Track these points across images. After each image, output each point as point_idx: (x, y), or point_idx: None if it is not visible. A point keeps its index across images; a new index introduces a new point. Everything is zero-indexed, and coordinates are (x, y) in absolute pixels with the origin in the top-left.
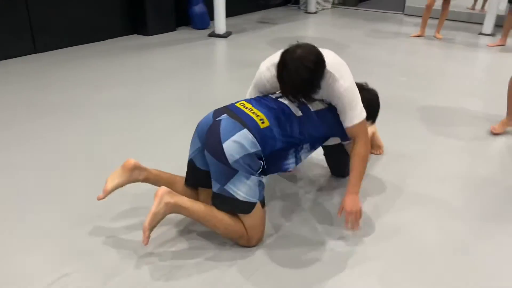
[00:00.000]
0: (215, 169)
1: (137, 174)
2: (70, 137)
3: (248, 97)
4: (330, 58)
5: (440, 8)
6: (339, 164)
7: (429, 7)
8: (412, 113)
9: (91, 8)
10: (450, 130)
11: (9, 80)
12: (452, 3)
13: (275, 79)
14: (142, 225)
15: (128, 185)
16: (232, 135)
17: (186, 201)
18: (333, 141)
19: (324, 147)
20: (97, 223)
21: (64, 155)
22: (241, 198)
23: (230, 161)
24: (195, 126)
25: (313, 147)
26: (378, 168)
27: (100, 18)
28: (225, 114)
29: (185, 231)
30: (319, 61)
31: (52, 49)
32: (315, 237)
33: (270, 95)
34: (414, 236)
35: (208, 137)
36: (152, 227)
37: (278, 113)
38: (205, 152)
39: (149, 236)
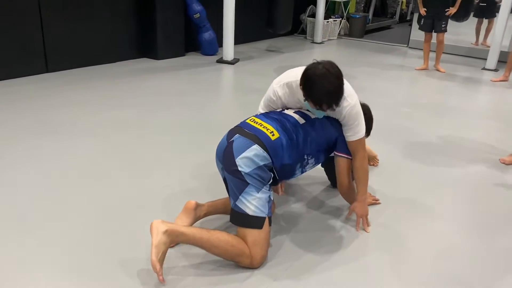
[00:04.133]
0: (231, 185)
1: (199, 211)
2: (76, 155)
3: (260, 111)
4: None
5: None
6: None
7: (426, 41)
8: (413, 142)
9: (103, 30)
10: (449, 160)
11: (19, 98)
12: (455, 38)
13: (287, 96)
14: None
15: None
16: (244, 151)
17: (181, 227)
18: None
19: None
20: (98, 241)
21: (69, 172)
22: (250, 213)
23: (243, 173)
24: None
25: (317, 161)
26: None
27: (112, 41)
28: (237, 134)
29: (187, 259)
30: (340, 71)
31: (63, 69)
32: (320, 259)
33: (275, 110)
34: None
35: (225, 159)
36: (160, 260)
37: (284, 123)
38: (224, 172)
39: (161, 270)
